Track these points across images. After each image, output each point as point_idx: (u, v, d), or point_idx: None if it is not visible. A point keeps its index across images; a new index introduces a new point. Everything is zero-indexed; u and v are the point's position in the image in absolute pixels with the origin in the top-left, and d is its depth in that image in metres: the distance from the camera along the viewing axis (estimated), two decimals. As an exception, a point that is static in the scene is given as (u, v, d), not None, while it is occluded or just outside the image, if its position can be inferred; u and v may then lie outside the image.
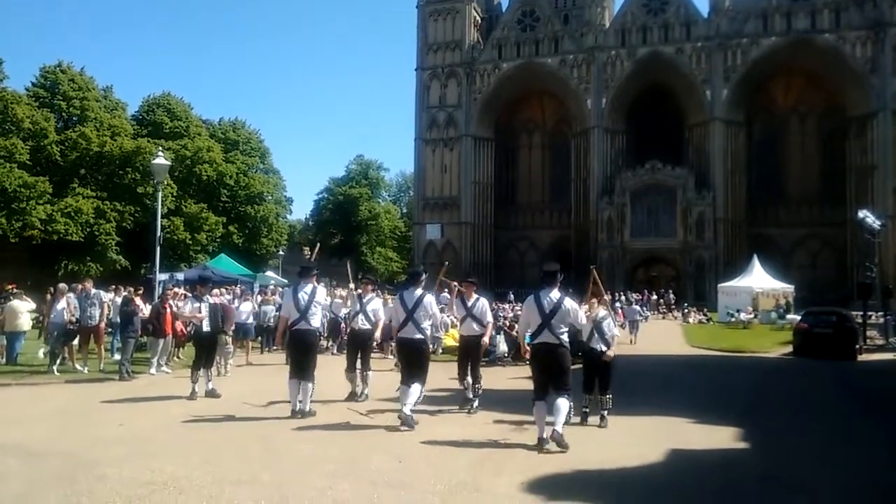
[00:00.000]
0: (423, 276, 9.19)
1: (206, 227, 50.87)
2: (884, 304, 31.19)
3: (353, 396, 10.51)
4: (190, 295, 12.66)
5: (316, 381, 9.21)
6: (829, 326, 20.87)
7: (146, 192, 44.94)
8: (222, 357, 13.44)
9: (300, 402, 8.95)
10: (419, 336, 8.68)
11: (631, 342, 23.96)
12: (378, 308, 11.01)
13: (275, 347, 17.31)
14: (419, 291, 8.79)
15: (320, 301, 9.35)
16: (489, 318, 9.92)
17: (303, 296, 9.10)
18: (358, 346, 10.65)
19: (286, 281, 35.42)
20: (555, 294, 7.59)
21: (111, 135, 47.08)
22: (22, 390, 11.55)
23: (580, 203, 59.96)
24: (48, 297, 14.51)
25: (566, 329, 7.65)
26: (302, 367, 8.97)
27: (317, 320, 9.32)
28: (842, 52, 52.65)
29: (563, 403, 7.41)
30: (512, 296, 42.72)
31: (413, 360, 8.63)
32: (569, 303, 7.64)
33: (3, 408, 9.60)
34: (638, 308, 30.18)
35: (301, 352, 9.08)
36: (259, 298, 20.71)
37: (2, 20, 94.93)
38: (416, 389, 8.46)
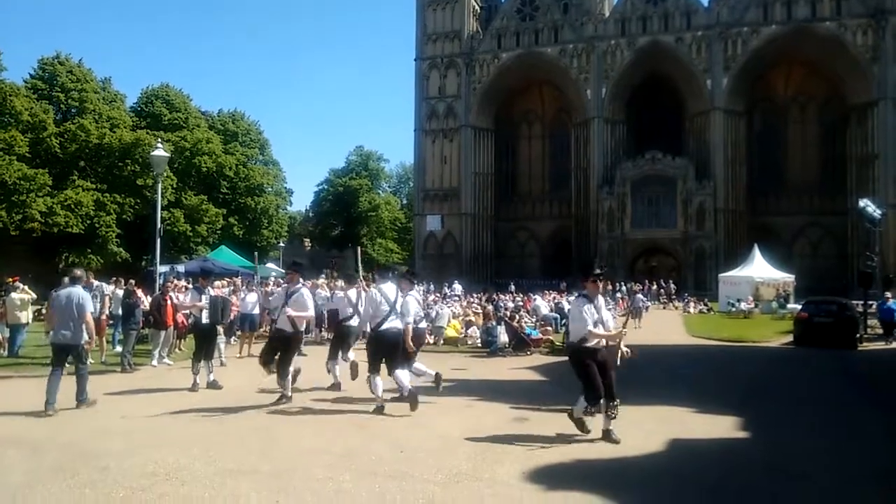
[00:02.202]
0: (392, 273, 9.90)
1: (207, 218, 50.83)
2: (884, 294, 31.15)
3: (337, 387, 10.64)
4: (191, 287, 12.68)
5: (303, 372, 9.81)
6: (829, 316, 20.85)
7: (146, 184, 44.89)
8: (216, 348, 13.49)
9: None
10: (401, 327, 9.03)
11: (636, 327, 25.56)
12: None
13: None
14: (393, 286, 9.29)
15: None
16: (410, 317, 9.29)
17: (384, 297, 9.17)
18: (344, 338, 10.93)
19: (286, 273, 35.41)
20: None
21: (110, 127, 46.99)
22: (24, 382, 11.57)
23: (580, 193, 59.92)
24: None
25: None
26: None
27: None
28: (842, 40, 52.43)
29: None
30: (513, 286, 42.81)
31: (396, 350, 8.96)
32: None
33: (4, 400, 9.62)
34: (641, 297, 31.94)
35: (390, 349, 9.02)
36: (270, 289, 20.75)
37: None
38: (405, 372, 8.96)
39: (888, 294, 23.36)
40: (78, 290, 9.18)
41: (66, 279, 10.52)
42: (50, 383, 8.79)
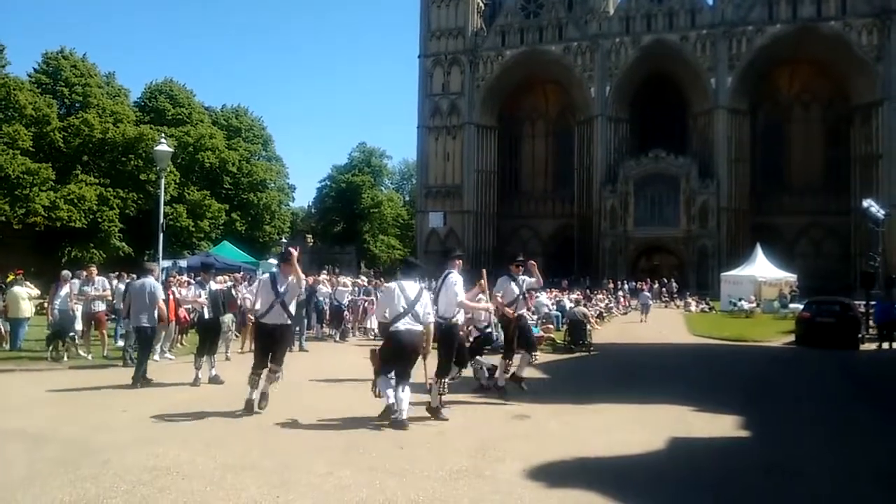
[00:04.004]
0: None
1: (209, 214, 50.96)
2: (887, 294, 31.11)
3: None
4: (194, 282, 12.69)
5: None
6: (831, 316, 20.82)
7: (149, 178, 45.03)
8: (224, 342, 13.49)
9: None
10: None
11: (641, 321, 28.80)
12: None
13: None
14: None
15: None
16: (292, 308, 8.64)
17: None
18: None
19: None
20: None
21: (114, 121, 47.08)
22: (26, 376, 11.60)
23: (583, 192, 59.90)
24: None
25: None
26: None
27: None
28: (847, 39, 52.28)
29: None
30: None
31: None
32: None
33: (6, 394, 9.64)
34: (648, 294, 34.29)
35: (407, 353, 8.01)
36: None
37: (3, 6, 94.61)
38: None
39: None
40: (150, 281, 10.69)
41: (139, 272, 12.03)
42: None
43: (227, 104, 64.04)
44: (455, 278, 8.24)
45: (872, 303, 24.35)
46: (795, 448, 7.48)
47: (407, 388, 7.67)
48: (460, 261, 8.65)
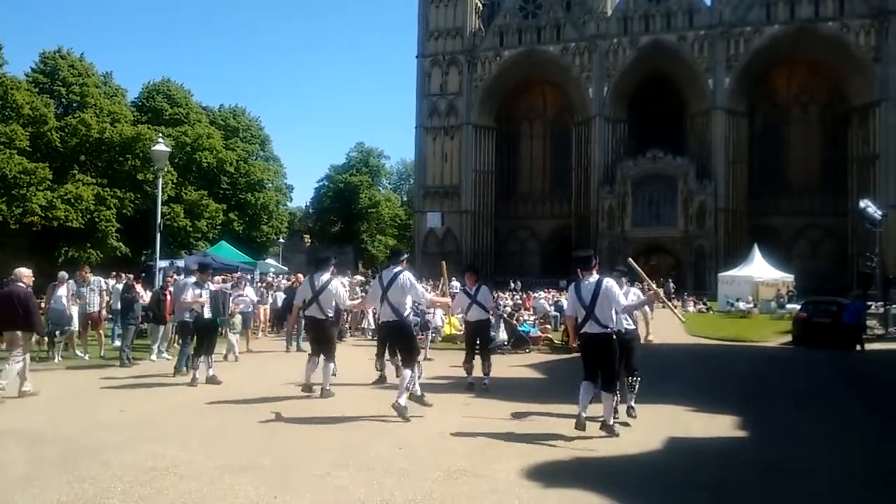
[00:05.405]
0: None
1: (207, 214, 50.84)
2: (884, 294, 31.16)
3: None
4: (191, 281, 12.66)
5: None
6: (828, 316, 20.82)
7: (146, 178, 44.88)
8: (230, 347, 13.74)
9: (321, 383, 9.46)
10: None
11: (650, 319, 27.73)
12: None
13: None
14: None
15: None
16: (491, 303, 11.00)
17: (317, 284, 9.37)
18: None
19: (286, 269, 35.43)
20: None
21: (111, 121, 46.92)
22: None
23: (581, 192, 59.93)
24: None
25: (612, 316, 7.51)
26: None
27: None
28: (845, 40, 52.36)
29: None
30: (520, 283, 43.29)
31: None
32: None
33: (5, 392, 9.61)
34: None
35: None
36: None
37: (1, 5, 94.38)
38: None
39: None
40: (188, 282, 11.48)
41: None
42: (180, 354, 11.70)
43: (224, 104, 63.96)
44: (611, 283, 7.69)
45: (845, 302, 23.79)
46: (791, 447, 7.50)
47: (330, 365, 9.44)
48: (625, 278, 9.15)
